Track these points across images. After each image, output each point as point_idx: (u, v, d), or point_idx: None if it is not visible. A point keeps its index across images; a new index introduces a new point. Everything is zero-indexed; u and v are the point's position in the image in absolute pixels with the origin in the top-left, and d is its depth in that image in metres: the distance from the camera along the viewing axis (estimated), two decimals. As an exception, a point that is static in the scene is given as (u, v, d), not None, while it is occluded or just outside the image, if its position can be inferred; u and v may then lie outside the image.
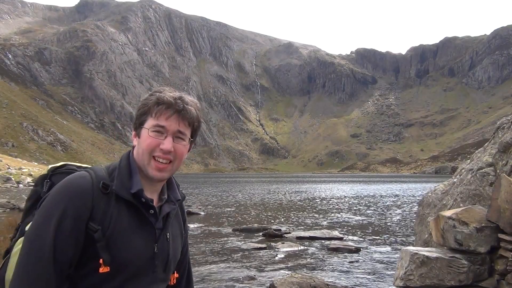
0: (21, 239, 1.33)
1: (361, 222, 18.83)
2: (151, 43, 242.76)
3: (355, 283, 8.85)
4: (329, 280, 8.27)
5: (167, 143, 1.42)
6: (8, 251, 1.40)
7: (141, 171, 1.45)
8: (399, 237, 14.76)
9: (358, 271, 9.89)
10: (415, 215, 8.22)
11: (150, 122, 1.43)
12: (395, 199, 31.58)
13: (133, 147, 1.50)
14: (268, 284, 8.02)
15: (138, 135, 1.47)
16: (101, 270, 1.30)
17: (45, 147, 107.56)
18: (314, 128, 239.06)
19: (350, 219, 19.68)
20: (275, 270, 9.86)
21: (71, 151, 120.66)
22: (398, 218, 20.19)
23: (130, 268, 1.35)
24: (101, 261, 1.30)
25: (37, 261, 1.20)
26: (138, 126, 1.47)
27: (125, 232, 1.35)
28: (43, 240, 1.22)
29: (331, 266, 10.37)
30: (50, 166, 1.54)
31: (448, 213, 4.36)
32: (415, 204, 23.55)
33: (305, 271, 9.56)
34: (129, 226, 1.37)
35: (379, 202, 29.10)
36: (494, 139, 5.55)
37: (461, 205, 5.07)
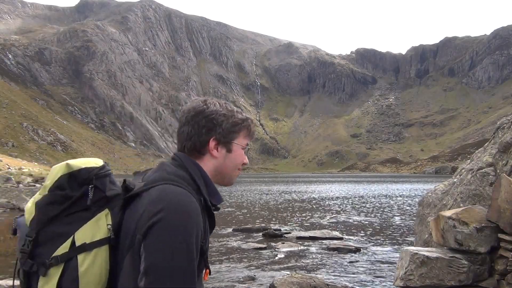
0: (85, 254, 1.28)
1: (361, 222, 18.83)
2: (151, 43, 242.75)
3: (355, 283, 8.86)
4: (329, 280, 8.27)
5: (247, 159, 1.61)
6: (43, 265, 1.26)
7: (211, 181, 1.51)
8: (399, 237, 14.77)
9: (358, 271, 9.89)
10: (415, 215, 8.22)
11: (242, 140, 1.56)
12: (395, 199, 31.57)
13: (191, 155, 1.50)
14: (268, 284, 8.02)
15: (227, 148, 1.53)
16: (206, 278, 1.41)
17: (45, 147, 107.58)
18: (314, 128, 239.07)
19: (350, 219, 19.69)
20: (275, 270, 9.87)
21: (71, 151, 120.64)
22: (398, 218, 20.20)
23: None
24: (207, 270, 1.40)
25: (187, 279, 1.21)
26: (229, 139, 1.52)
27: (208, 240, 1.42)
28: (189, 260, 1.23)
29: (331, 266, 10.37)
30: (83, 168, 1.40)
31: (448, 213, 4.36)
32: (415, 204, 23.56)
33: (305, 271, 9.56)
34: (208, 234, 1.43)
35: (379, 202, 29.10)
36: (494, 139, 5.55)
37: (461, 205, 5.08)
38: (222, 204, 1.40)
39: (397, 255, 8.30)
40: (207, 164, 1.50)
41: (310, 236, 14.40)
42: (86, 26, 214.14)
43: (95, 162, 1.45)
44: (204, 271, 1.39)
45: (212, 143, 1.50)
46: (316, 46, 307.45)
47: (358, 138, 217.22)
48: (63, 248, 1.28)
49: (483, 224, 4.01)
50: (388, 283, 8.75)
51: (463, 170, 5.88)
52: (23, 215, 1.42)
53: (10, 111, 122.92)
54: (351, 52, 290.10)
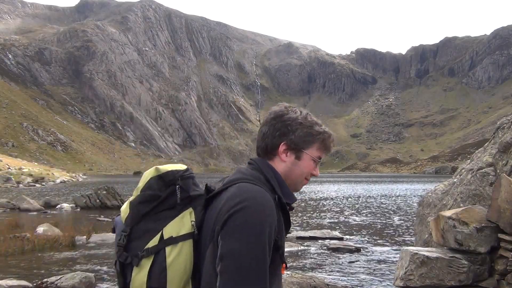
0: (171, 247, 1.44)
1: (361, 222, 18.83)
2: (151, 43, 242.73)
3: (355, 283, 8.86)
4: (329, 280, 8.28)
5: (318, 171, 1.69)
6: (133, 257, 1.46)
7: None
8: (399, 237, 14.77)
9: (358, 271, 9.89)
10: (415, 215, 8.22)
11: (314, 152, 1.63)
12: (395, 199, 31.58)
13: (265, 158, 1.62)
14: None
15: (296, 155, 1.61)
16: (283, 272, 1.51)
17: (45, 147, 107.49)
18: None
19: (350, 219, 19.69)
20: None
21: (71, 151, 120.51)
22: (398, 218, 20.20)
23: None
24: (284, 265, 1.50)
25: (261, 267, 1.32)
26: (300, 147, 1.61)
27: (284, 237, 1.51)
28: (262, 250, 1.33)
29: (331, 266, 10.37)
30: (169, 170, 1.59)
31: (448, 213, 4.36)
32: (415, 204, 23.55)
33: (305, 271, 9.56)
34: (284, 232, 1.52)
35: (379, 202, 29.11)
36: (494, 139, 5.55)
37: (461, 205, 5.08)
38: None
39: (397, 255, 8.30)
40: (277, 166, 1.59)
41: (310, 236, 14.40)
42: (86, 26, 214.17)
43: (180, 166, 1.64)
44: (281, 265, 1.48)
45: (282, 147, 1.59)
46: (316, 46, 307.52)
47: (358, 138, 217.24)
48: (153, 242, 1.45)
49: (483, 224, 4.01)
50: (388, 283, 8.75)
51: (463, 170, 5.87)
52: (119, 214, 1.60)
53: (10, 111, 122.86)
54: (351, 52, 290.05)
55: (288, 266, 10.49)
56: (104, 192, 24.80)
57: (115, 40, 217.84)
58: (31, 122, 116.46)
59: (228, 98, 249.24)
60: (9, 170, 55.50)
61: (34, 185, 49.11)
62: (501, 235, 3.92)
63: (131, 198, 1.58)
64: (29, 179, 52.06)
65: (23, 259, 10.92)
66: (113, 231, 1.61)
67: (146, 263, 1.44)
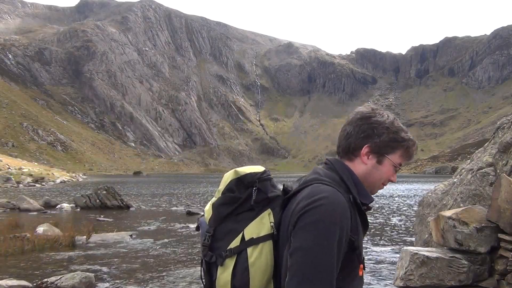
0: (253, 247, 1.48)
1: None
2: (151, 43, 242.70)
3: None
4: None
5: (395, 177, 1.67)
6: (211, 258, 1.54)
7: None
8: (399, 237, 14.76)
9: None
10: (414, 215, 8.21)
11: (396, 158, 1.63)
12: (395, 199, 31.58)
13: (343, 160, 1.66)
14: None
15: (378, 159, 1.61)
16: (360, 273, 1.52)
17: (45, 147, 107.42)
18: (314, 128, 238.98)
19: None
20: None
21: (71, 151, 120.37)
22: (398, 218, 20.19)
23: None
24: (361, 266, 1.52)
25: (328, 266, 1.35)
26: (383, 152, 1.61)
27: (361, 238, 1.53)
28: (330, 248, 1.36)
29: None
30: (248, 172, 1.63)
31: (448, 213, 4.36)
32: (415, 204, 23.54)
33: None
34: (361, 232, 1.54)
35: (379, 202, 29.10)
36: (494, 139, 5.55)
37: (461, 205, 5.07)
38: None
39: (397, 255, 8.29)
40: (356, 168, 1.61)
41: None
42: (86, 26, 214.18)
43: (258, 168, 1.66)
44: (359, 266, 1.50)
45: (365, 150, 1.60)
46: (316, 46, 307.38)
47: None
48: (235, 242, 1.50)
49: (483, 224, 4.01)
50: (388, 282, 8.75)
51: (463, 170, 5.87)
52: (203, 215, 1.66)
53: (10, 111, 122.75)
54: (351, 52, 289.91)
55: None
56: (104, 192, 24.81)
57: (115, 40, 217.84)
58: (31, 122, 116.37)
59: (228, 98, 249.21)
60: (9, 170, 55.48)
61: (34, 185, 49.09)
62: (501, 235, 3.92)
63: (213, 200, 1.64)
64: (29, 179, 52.03)
65: (23, 259, 10.92)
66: (197, 229, 1.67)
67: (230, 263, 1.49)
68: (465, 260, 3.99)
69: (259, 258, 1.47)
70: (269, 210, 1.55)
